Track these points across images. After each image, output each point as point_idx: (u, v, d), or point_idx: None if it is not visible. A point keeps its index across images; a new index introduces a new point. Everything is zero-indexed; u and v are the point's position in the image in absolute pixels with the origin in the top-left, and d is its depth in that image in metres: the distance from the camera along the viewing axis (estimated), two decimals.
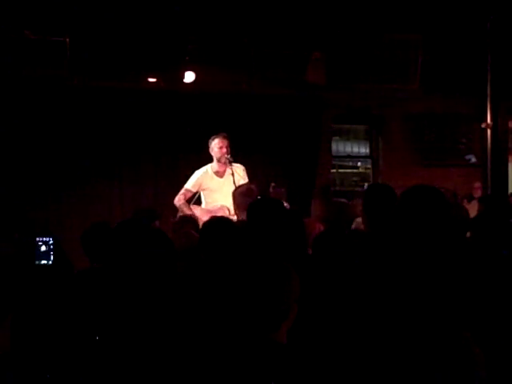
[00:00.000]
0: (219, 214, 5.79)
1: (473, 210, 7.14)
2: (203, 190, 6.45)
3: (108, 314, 2.82)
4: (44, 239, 3.42)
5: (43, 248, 3.41)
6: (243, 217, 4.77)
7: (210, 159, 6.53)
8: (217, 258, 3.08)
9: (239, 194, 5.05)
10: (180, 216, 5.99)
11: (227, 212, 5.90)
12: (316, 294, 2.88)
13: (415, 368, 1.94)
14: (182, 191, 6.45)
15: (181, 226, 5.01)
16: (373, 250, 3.00)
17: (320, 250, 3.24)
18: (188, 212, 6.23)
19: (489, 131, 7.59)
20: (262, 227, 3.45)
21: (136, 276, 2.84)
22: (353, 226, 4.64)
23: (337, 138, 10.03)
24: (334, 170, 10.11)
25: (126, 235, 3.11)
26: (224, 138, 6.36)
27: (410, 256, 2.65)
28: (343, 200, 5.87)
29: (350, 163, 10.47)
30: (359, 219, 4.47)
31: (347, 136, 10.25)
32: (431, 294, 2.52)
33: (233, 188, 5.58)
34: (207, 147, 6.49)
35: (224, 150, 6.30)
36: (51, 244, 3.41)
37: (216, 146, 6.36)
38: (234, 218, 5.03)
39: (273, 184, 7.54)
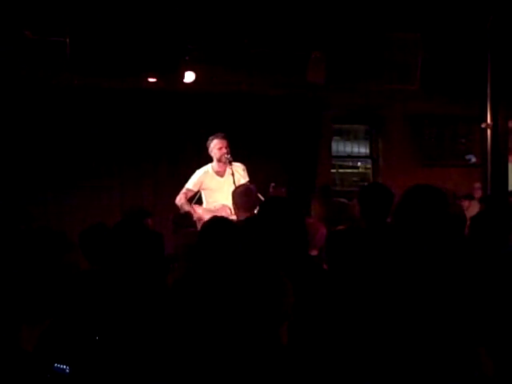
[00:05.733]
0: (221, 214, 5.80)
1: (473, 209, 7.15)
2: (204, 189, 6.46)
3: (108, 314, 2.82)
4: None
5: None
6: (243, 217, 4.78)
7: (210, 159, 6.54)
8: (215, 258, 3.08)
9: (238, 194, 5.06)
10: (176, 213, 6.00)
11: (228, 211, 5.90)
12: (324, 295, 2.88)
13: (417, 369, 1.94)
14: (183, 191, 6.46)
15: (178, 223, 5.02)
16: (373, 248, 3.00)
17: (338, 248, 3.21)
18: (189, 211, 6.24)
19: (489, 131, 7.57)
20: (263, 227, 3.45)
21: (133, 277, 2.85)
22: None
23: (337, 138, 10.03)
24: (334, 170, 10.11)
25: (122, 237, 3.11)
26: (222, 138, 6.37)
27: (411, 255, 2.65)
28: (343, 200, 5.87)
29: (350, 163, 10.48)
30: None
31: (347, 136, 10.25)
32: (434, 295, 2.52)
33: (233, 187, 5.58)
34: (207, 148, 6.48)
35: (224, 150, 6.31)
36: None
37: (215, 146, 6.37)
38: (235, 217, 5.03)
39: (273, 184, 7.54)
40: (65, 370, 2.63)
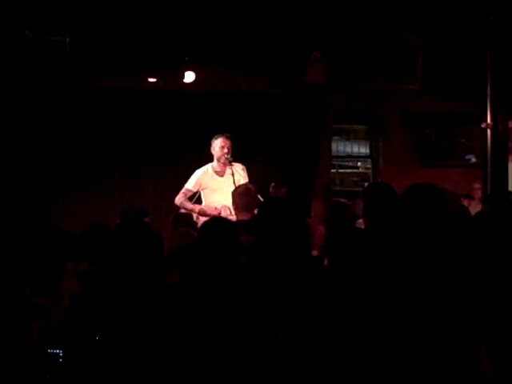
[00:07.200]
0: (219, 212, 5.82)
1: (473, 209, 7.14)
2: (203, 189, 6.45)
3: (108, 314, 2.82)
4: None
5: None
6: (243, 217, 4.77)
7: (210, 159, 6.53)
8: (214, 259, 3.08)
9: (238, 194, 5.04)
10: (176, 213, 6.00)
11: (228, 212, 5.89)
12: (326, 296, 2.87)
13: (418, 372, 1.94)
14: (183, 191, 6.45)
15: (177, 223, 5.01)
16: (375, 249, 3.00)
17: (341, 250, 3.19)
18: (190, 207, 6.25)
19: (489, 131, 7.58)
20: (264, 227, 3.44)
21: (133, 277, 2.85)
22: None
23: (337, 138, 10.04)
24: (334, 170, 10.12)
25: (124, 237, 3.11)
26: (227, 138, 6.35)
27: (412, 255, 2.65)
28: (343, 200, 5.86)
29: (350, 163, 10.48)
30: (360, 221, 4.46)
31: (347, 136, 10.26)
32: (435, 295, 2.52)
33: (233, 188, 5.57)
34: (207, 147, 6.47)
35: (225, 150, 6.29)
36: None
37: (218, 145, 6.35)
38: (234, 218, 5.02)
39: (273, 184, 7.54)
40: (58, 354, 2.67)
